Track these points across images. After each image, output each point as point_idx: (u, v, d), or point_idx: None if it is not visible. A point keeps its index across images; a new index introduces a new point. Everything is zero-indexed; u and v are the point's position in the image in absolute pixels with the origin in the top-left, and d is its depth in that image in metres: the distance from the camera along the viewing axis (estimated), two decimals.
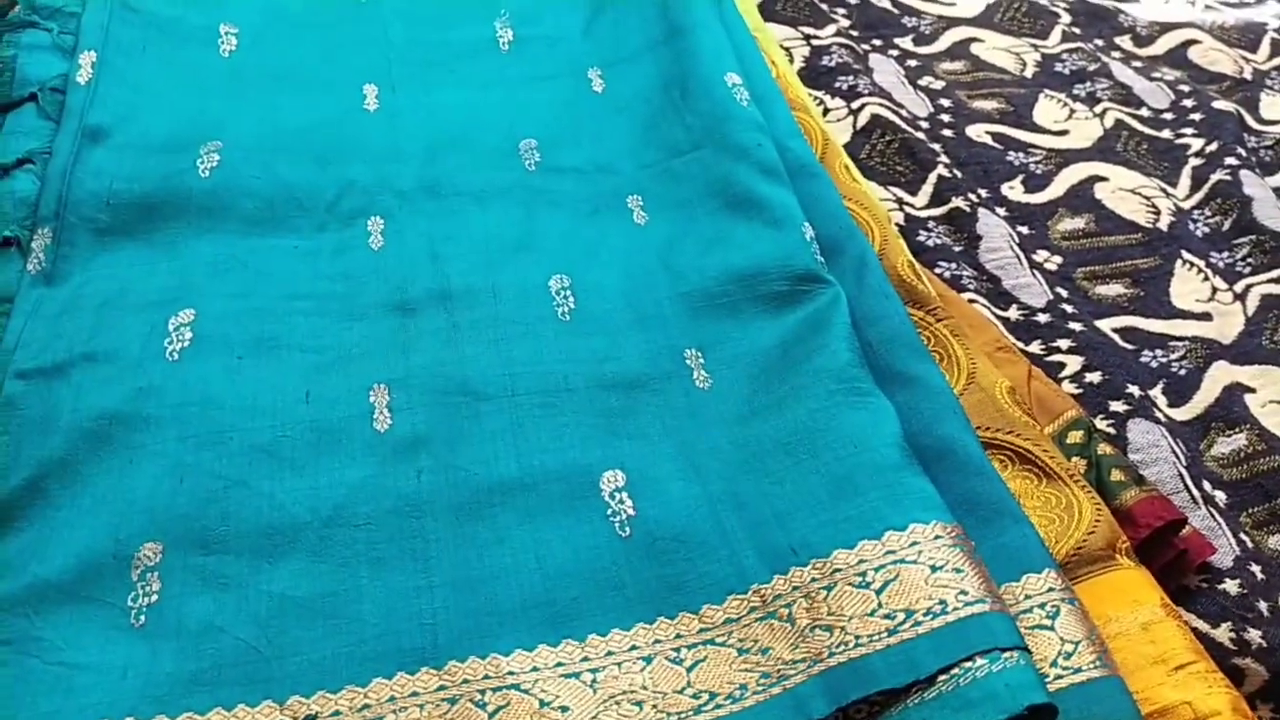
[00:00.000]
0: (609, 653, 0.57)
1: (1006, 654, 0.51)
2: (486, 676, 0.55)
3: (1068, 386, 0.85)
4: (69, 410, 0.66)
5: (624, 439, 0.68)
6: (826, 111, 1.09)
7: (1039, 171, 1.07)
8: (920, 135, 1.07)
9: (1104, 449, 0.75)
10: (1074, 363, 0.87)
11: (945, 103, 1.14)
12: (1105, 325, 0.93)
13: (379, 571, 0.60)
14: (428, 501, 0.63)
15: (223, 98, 0.90)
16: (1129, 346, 0.91)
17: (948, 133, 1.10)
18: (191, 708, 0.54)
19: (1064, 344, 0.89)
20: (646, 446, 0.68)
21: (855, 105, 1.09)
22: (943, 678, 0.50)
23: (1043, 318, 0.91)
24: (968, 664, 0.50)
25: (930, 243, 0.96)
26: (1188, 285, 0.97)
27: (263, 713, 0.54)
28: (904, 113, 1.10)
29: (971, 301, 0.90)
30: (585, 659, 0.56)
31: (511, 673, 0.55)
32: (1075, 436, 0.76)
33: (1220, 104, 1.18)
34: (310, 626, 0.57)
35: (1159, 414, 0.83)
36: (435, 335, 0.74)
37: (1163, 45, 1.32)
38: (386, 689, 0.55)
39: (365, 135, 0.90)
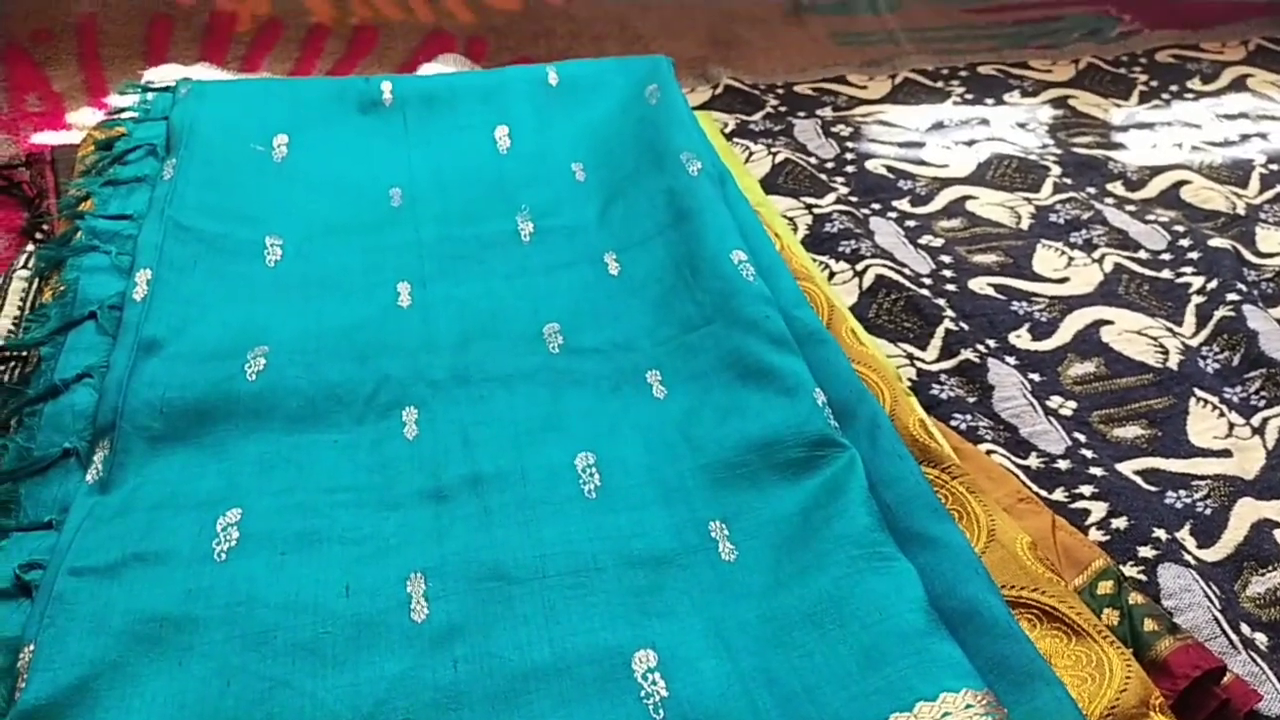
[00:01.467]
0: None
1: None
2: None
3: (1094, 534, 0.85)
4: (120, 611, 0.69)
5: (654, 617, 0.70)
6: (832, 275, 1.14)
7: (1044, 319, 1.11)
8: (924, 292, 1.11)
9: (1135, 598, 0.75)
10: (1098, 509, 0.88)
11: (946, 259, 1.20)
12: (1126, 468, 0.94)
13: None
14: (465, 692, 0.65)
15: (269, 305, 0.97)
16: (1152, 488, 0.92)
17: (951, 287, 1.15)
18: None
19: (1087, 490, 0.90)
20: (676, 624, 0.69)
21: (859, 267, 1.15)
22: None
23: (1063, 464, 0.93)
24: None
25: (944, 395, 0.99)
26: (1204, 423, 0.98)
27: None
28: (907, 271, 1.15)
29: (990, 452, 0.92)
30: None
31: None
32: (1105, 587, 0.76)
33: (1216, 241, 1.22)
34: None
35: (1189, 556, 0.83)
36: (467, 521, 0.77)
37: (1154, 188, 1.37)
38: None
39: (399, 331, 0.96)
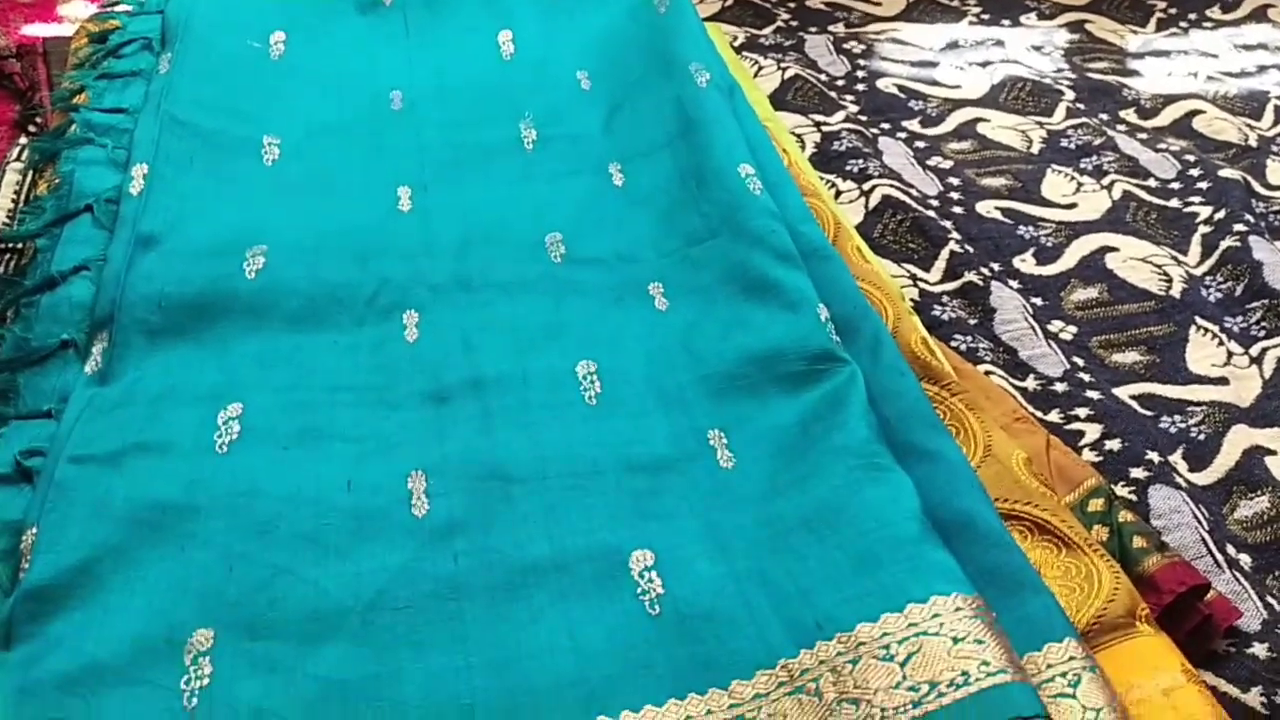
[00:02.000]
0: None
1: None
2: None
3: (1087, 455, 0.86)
4: (122, 499, 0.70)
5: (652, 520, 0.70)
6: (839, 194, 1.13)
7: (1050, 244, 1.10)
8: (931, 213, 1.11)
9: (1125, 516, 0.76)
10: (1093, 431, 0.89)
11: (954, 181, 1.18)
12: (1123, 393, 0.94)
13: (419, 653, 0.62)
14: (464, 583, 0.66)
15: (266, 204, 0.96)
16: (1147, 413, 0.92)
17: (958, 210, 1.14)
18: None
19: (1082, 412, 0.90)
20: (674, 526, 0.70)
21: (866, 187, 1.13)
22: None
23: (1060, 387, 0.93)
24: None
25: (945, 317, 0.99)
26: (1203, 351, 0.99)
27: None
28: (914, 192, 1.14)
29: (988, 374, 0.92)
30: None
31: None
32: (1096, 504, 0.77)
33: (1227, 172, 1.21)
34: (354, 709, 0.59)
35: (1180, 479, 0.84)
36: (469, 422, 0.77)
37: (1167, 116, 1.35)
38: None
39: (400, 234, 0.95)
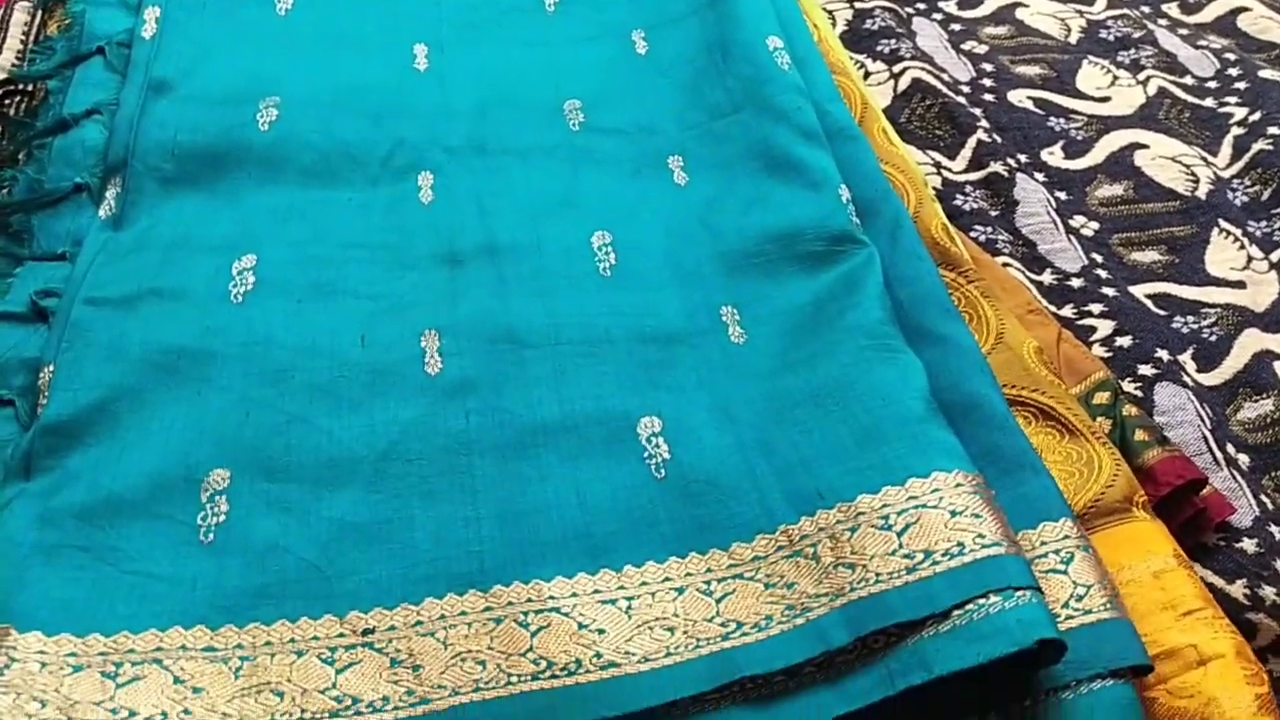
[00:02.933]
0: (643, 583, 0.60)
1: (1020, 593, 0.53)
2: (529, 600, 0.59)
3: (1097, 350, 0.86)
4: (137, 342, 0.70)
5: (661, 389, 0.71)
6: (867, 75, 1.10)
7: (1079, 138, 1.08)
8: (961, 100, 1.08)
9: (1129, 410, 0.77)
10: (1105, 327, 0.89)
11: (988, 67, 1.15)
12: (1138, 291, 0.94)
13: (430, 503, 0.64)
14: (475, 440, 0.67)
15: (279, 55, 0.94)
16: (1161, 312, 0.92)
17: (989, 98, 1.11)
18: (258, 618, 0.58)
19: (1096, 308, 0.90)
20: (682, 396, 0.71)
21: (896, 69, 1.10)
22: (957, 613, 0.53)
23: (1076, 282, 0.93)
24: (982, 600, 0.53)
25: (967, 207, 0.97)
26: (1223, 254, 0.97)
27: (324, 625, 0.58)
28: (945, 77, 1.11)
29: (1005, 266, 0.92)
30: (621, 587, 0.60)
31: (552, 597, 0.59)
32: (1101, 397, 0.78)
33: (1267, 73, 1.17)
34: (367, 550, 0.61)
35: (1187, 378, 0.85)
36: (482, 286, 0.77)
37: (1211, 13, 1.30)
38: (438, 608, 0.59)
39: (415, 94, 0.93)
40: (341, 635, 0.58)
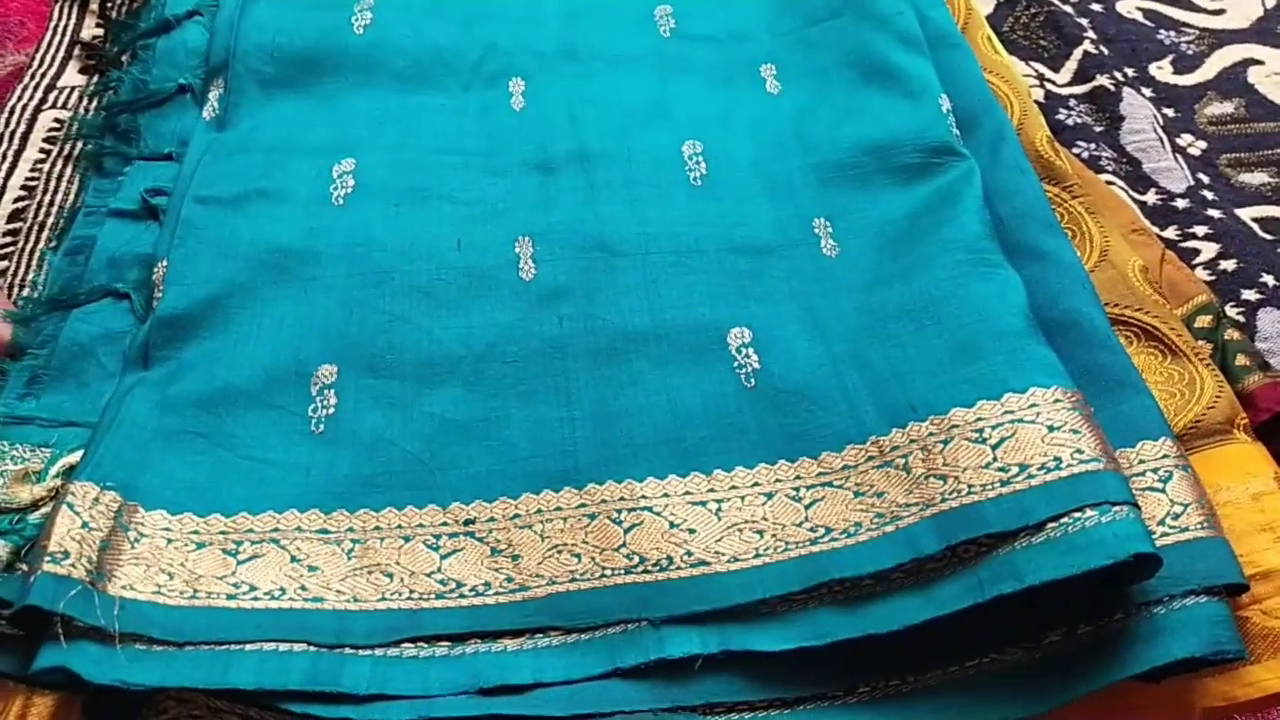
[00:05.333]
0: (733, 487, 0.62)
1: (1116, 507, 0.53)
2: (622, 498, 0.61)
3: (1200, 273, 0.83)
4: (246, 240, 0.73)
5: (751, 300, 0.71)
6: None
7: (1190, 52, 1.03)
8: (1068, 9, 1.03)
9: (1231, 334, 0.75)
10: (1209, 249, 0.85)
11: None
12: (1245, 214, 0.90)
13: (526, 403, 0.65)
14: (569, 345, 0.68)
15: None
16: (1268, 237, 0.88)
17: (1097, 7, 1.06)
18: (367, 505, 0.61)
19: (1201, 230, 0.87)
20: (772, 308, 0.71)
21: None
22: (1051, 525, 0.53)
23: (1181, 203, 0.89)
24: (1077, 514, 0.53)
25: (1070, 122, 0.94)
26: None
27: (428, 514, 0.61)
28: None
29: (1109, 184, 0.89)
30: (711, 490, 0.61)
31: (644, 497, 0.61)
32: (1203, 321, 0.76)
33: None
34: (466, 445, 0.63)
35: None
36: (573, 193, 0.78)
37: None
38: (534, 503, 0.61)
39: None
40: (445, 524, 0.60)
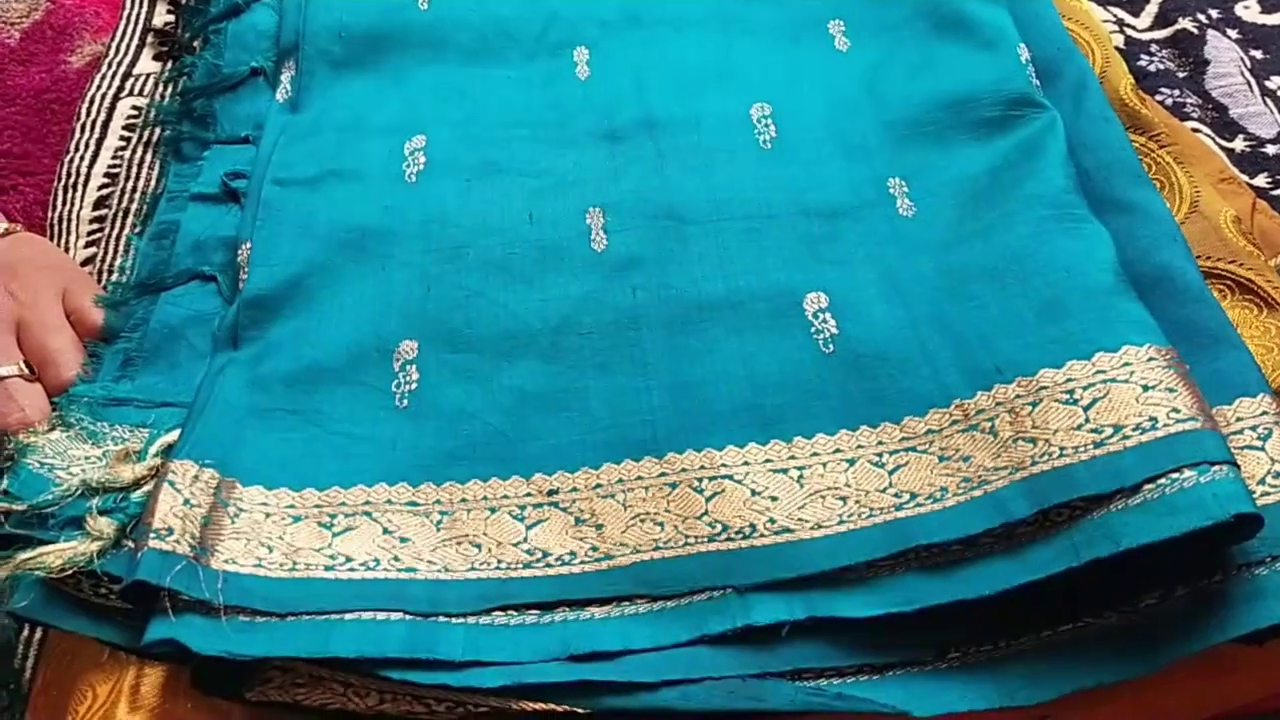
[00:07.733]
0: (814, 454, 0.61)
1: (1216, 467, 0.51)
2: (702, 467, 0.61)
3: None
4: (324, 220, 0.74)
5: (826, 264, 0.70)
6: None
7: None
8: None
9: None
10: None
11: None
12: None
13: (603, 374, 0.66)
14: (643, 315, 0.68)
15: None
16: None
17: None
18: (453, 478, 0.62)
19: None
20: (848, 272, 0.70)
21: None
22: (1148, 487, 0.52)
23: (1272, 149, 0.86)
24: (1175, 475, 0.51)
25: (1152, 68, 0.90)
26: None
27: (512, 486, 0.62)
28: None
29: (1194, 131, 0.85)
30: (792, 457, 0.61)
31: (725, 465, 0.61)
32: None
33: None
34: (547, 417, 0.64)
35: None
36: (642, 162, 0.77)
37: None
38: (616, 473, 0.62)
39: None
40: (529, 495, 0.61)
